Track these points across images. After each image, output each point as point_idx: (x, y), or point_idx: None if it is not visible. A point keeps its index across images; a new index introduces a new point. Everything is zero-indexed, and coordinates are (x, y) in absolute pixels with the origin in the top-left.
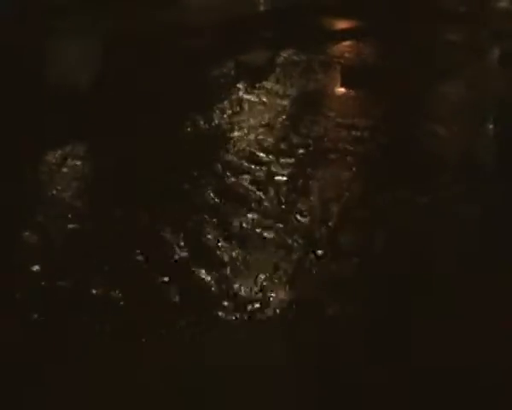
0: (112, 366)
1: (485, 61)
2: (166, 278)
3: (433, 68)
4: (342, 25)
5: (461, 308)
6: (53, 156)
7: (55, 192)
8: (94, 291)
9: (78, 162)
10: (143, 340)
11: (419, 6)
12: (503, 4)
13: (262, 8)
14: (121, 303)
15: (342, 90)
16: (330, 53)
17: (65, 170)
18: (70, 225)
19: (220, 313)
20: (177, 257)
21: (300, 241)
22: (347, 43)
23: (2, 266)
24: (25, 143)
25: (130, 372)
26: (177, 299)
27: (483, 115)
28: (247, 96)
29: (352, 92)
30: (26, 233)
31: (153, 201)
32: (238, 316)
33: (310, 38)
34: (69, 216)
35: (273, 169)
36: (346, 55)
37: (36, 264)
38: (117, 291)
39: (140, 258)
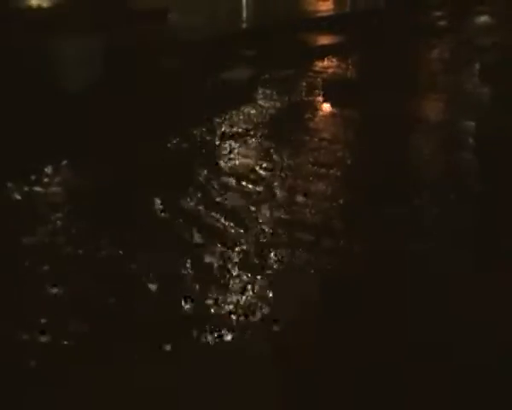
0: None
1: (465, 76)
2: (151, 301)
3: (413, 83)
4: (324, 41)
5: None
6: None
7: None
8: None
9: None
10: (124, 365)
11: (400, 22)
12: (482, 19)
13: (245, 26)
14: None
15: (323, 106)
16: (312, 70)
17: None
18: (59, 243)
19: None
20: (164, 280)
21: (281, 256)
22: (329, 59)
23: None
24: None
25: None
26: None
27: (463, 129)
28: (229, 114)
29: (333, 109)
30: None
31: (137, 220)
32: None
33: (292, 55)
34: (56, 235)
35: (253, 185)
36: (328, 71)
37: (25, 274)
38: (101, 316)
39: (123, 279)
